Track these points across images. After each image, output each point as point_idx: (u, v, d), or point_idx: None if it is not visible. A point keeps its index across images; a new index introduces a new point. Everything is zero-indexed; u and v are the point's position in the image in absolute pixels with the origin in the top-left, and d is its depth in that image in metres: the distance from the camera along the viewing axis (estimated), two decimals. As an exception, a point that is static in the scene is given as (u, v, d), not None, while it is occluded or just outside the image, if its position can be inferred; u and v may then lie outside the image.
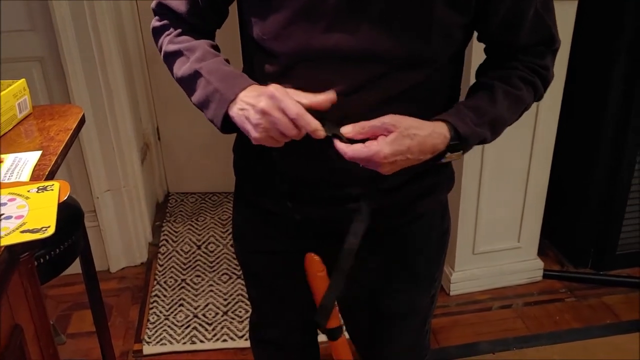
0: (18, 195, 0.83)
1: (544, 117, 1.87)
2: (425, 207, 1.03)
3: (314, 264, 1.03)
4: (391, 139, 0.81)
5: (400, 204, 0.99)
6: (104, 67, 2.02)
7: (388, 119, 0.82)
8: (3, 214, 0.78)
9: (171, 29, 0.97)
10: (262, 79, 0.89)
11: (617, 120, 1.96)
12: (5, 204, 0.81)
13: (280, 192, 1.01)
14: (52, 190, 0.84)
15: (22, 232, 0.75)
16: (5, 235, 0.74)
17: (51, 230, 0.75)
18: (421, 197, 1.01)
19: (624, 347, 1.86)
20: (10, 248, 0.76)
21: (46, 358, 1.03)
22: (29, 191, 0.84)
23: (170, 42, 0.96)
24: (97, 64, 2.00)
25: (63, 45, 1.93)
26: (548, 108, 1.86)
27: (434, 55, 0.88)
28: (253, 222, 1.10)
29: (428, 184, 1.01)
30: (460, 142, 0.87)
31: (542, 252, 2.18)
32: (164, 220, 2.57)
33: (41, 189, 0.84)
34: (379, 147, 0.81)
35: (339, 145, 0.83)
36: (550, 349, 1.87)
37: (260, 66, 0.92)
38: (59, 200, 0.83)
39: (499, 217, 2.02)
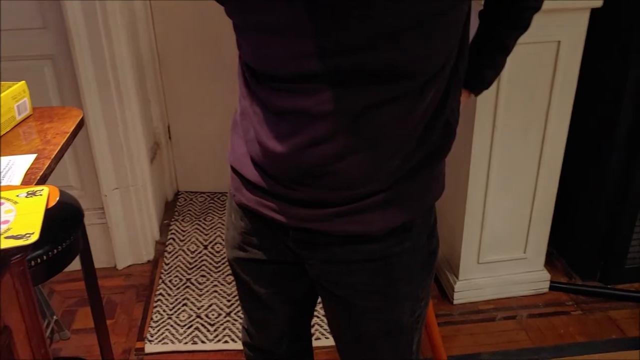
0: (7, 199, 0.84)
1: (553, 126, 1.84)
2: (413, 212, 1.00)
3: None
4: None
5: (391, 206, 0.97)
6: (115, 65, 2.04)
7: None
8: (-10, 219, 0.79)
9: None
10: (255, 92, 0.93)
11: (628, 131, 1.93)
12: (-7, 208, 0.82)
13: (269, 197, 0.99)
14: (41, 195, 0.85)
15: (7, 237, 0.75)
16: (-11, 240, 0.75)
17: (35, 237, 0.75)
18: (410, 200, 0.98)
19: (629, 364, 1.83)
20: (-5, 253, 0.77)
21: (37, 358, 1.04)
22: (18, 195, 0.85)
23: None
24: (107, 62, 2.02)
25: (74, 43, 1.95)
26: (558, 116, 1.83)
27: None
28: (241, 228, 1.10)
29: (417, 187, 0.98)
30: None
31: (549, 263, 2.15)
32: (172, 219, 2.58)
33: (30, 194, 0.85)
34: None
35: None
36: (553, 363, 1.85)
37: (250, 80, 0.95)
38: (47, 205, 0.83)
39: (505, 226, 2.00)
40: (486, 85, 1.14)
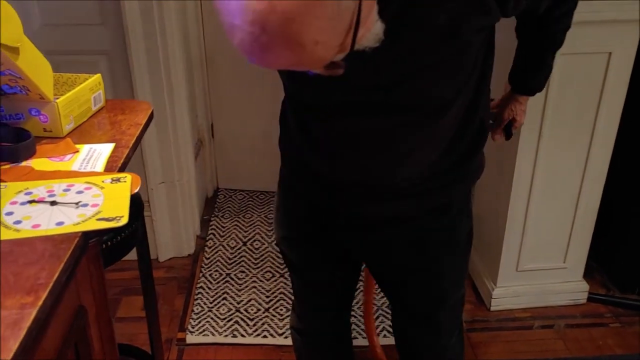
0: (94, 184, 0.88)
1: (599, 137, 1.85)
2: (451, 195, 1.07)
3: None
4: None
5: (432, 190, 1.04)
6: (167, 63, 2.09)
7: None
8: (80, 202, 0.84)
9: None
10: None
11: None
12: (81, 192, 0.87)
13: (317, 182, 1.07)
14: (124, 182, 0.90)
15: (98, 219, 0.80)
16: (82, 221, 0.80)
17: (124, 220, 0.80)
18: (453, 183, 1.05)
19: (668, 378, 1.82)
20: (85, 234, 0.81)
21: (104, 339, 1.09)
22: (103, 181, 0.90)
23: None
24: (160, 60, 2.08)
25: (130, 40, 2.01)
26: (605, 127, 1.84)
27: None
28: (290, 209, 1.17)
29: (455, 176, 1.05)
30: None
31: (588, 275, 2.15)
32: (212, 215, 2.63)
33: (115, 180, 0.90)
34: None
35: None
36: (591, 373, 1.85)
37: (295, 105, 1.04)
38: (130, 191, 0.88)
39: (546, 235, 2.00)
40: (539, 89, 1.24)
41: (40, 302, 0.66)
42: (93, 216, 0.81)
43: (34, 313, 0.64)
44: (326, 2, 0.60)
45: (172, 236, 2.37)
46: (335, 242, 1.14)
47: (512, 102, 1.25)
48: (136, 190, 0.89)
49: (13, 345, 0.60)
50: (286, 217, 1.19)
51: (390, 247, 1.10)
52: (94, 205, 0.83)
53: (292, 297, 2.15)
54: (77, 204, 0.83)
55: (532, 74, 1.20)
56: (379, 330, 2.01)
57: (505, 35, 1.58)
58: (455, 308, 1.19)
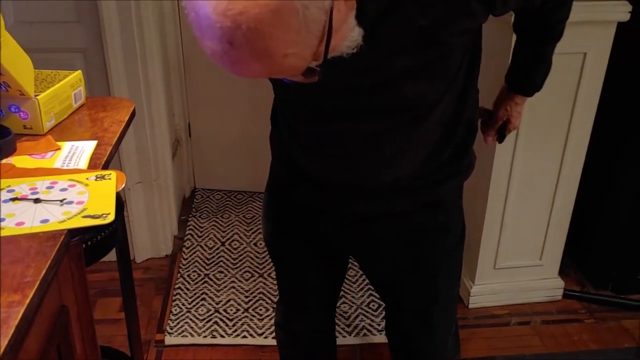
0: (78, 182, 0.87)
1: (574, 136, 1.88)
2: (442, 192, 1.07)
3: None
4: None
5: (422, 188, 1.05)
6: (145, 62, 2.07)
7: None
8: (65, 199, 0.83)
9: None
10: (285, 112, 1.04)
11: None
12: (65, 189, 0.85)
13: (304, 183, 1.08)
14: (109, 179, 0.88)
15: (84, 217, 0.79)
16: (67, 219, 0.78)
17: (111, 217, 0.79)
18: (444, 181, 1.06)
19: (641, 372, 1.87)
20: (69, 232, 0.80)
21: (86, 339, 1.07)
22: (87, 179, 0.88)
23: None
24: (138, 58, 2.05)
25: (107, 38, 1.98)
26: (580, 126, 1.87)
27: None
28: (279, 204, 1.17)
29: (449, 171, 1.06)
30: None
31: (563, 272, 2.19)
32: (190, 215, 2.61)
33: (99, 178, 0.89)
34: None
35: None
36: (567, 368, 1.88)
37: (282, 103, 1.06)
38: (116, 189, 0.87)
39: (522, 234, 2.03)
40: (538, 88, 1.21)
41: (27, 300, 0.65)
42: (78, 213, 0.79)
43: (21, 311, 0.63)
44: (292, 16, 0.61)
45: (149, 237, 2.34)
46: (325, 240, 1.14)
47: (508, 102, 1.23)
48: (121, 188, 0.88)
49: (2, 343, 0.58)
50: (275, 212, 1.18)
51: (382, 246, 1.10)
52: (79, 203, 0.82)
53: (273, 297, 2.15)
54: (61, 201, 0.82)
55: (530, 70, 1.17)
56: (358, 329, 2.01)
57: (500, 36, 1.58)
58: (450, 307, 1.19)
